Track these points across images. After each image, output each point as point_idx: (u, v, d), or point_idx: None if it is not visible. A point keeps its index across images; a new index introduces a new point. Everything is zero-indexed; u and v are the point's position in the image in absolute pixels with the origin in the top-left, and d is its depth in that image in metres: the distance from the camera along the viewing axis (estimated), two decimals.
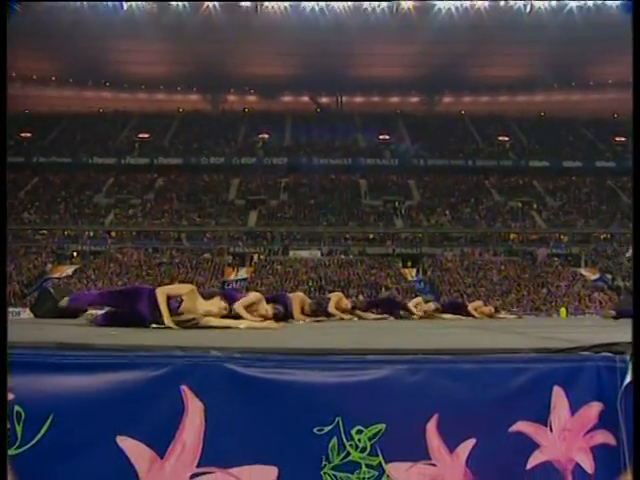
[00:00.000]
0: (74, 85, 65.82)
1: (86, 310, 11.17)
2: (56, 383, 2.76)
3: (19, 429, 2.74)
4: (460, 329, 6.31)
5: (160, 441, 2.72)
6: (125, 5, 54.72)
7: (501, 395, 2.84)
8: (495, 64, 59.10)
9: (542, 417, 2.84)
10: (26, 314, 28.46)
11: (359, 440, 2.74)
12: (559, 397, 2.85)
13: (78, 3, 54.15)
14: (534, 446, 2.84)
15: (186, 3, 53.81)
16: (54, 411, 2.73)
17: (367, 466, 2.76)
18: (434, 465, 2.80)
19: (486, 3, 53.68)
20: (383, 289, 40.74)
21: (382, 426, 2.75)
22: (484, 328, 6.44)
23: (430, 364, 2.84)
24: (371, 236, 49.57)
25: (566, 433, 2.84)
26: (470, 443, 2.81)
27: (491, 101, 66.50)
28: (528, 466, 2.85)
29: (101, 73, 63.63)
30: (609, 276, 45.00)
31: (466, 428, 2.82)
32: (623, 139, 59.16)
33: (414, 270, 46.15)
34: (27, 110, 63.11)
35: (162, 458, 2.72)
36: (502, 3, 53.68)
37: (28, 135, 60.43)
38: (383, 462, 2.76)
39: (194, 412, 2.72)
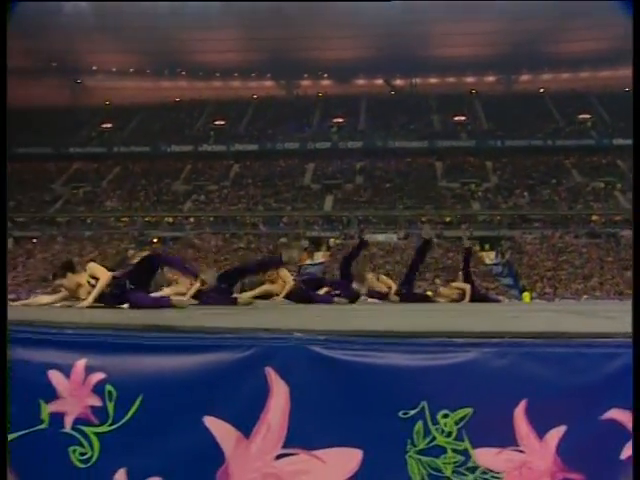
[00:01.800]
0: (151, 76, 67.35)
1: None
2: (146, 364, 2.83)
3: (111, 407, 2.83)
4: (547, 312, 6.14)
5: (246, 422, 2.75)
6: None
7: (593, 381, 2.74)
8: (576, 39, 56.99)
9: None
10: None
11: (445, 424, 2.70)
12: None
13: None
14: (629, 435, 2.72)
15: None
16: (143, 391, 2.81)
17: (453, 451, 2.71)
18: (522, 452, 2.73)
19: None
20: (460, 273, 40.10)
21: (469, 410, 2.70)
22: (573, 312, 6.23)
23: (519, 348, 2.76)
24: (448, 219, 48.87)
25: None
26: (560, 430, 2.73)
27: (572, 78, 64.20)
28: (622, 456, 2.74)
29: (177, 63, 64.84)
30: None
31: (556, 414, 2.73)
32: None
33: (492, 253, 45.27)
34: (108, 102, 65.04)
35: (247, 438, 2.76)
36: None
37: (109, 126, 62.30)
38: (469, 447, 2.72)
39: (279, 394, 2.73)
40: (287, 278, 9.12)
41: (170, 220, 51.24)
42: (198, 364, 2.79)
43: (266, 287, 9.01)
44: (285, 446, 2.74)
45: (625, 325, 3.93)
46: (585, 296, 36.72)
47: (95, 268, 6.11)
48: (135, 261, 6.52)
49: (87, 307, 5.67)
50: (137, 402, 2.79)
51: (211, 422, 2.76)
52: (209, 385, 2.77)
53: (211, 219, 50.78)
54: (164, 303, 5.83)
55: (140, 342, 2.88)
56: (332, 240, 47.51)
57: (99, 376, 2.85)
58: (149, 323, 3.21)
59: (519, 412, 2.72)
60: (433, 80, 66.70)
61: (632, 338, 2.76)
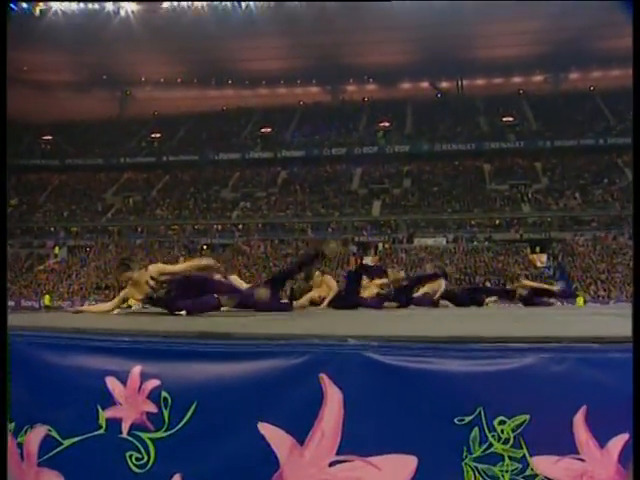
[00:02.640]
0: (198, 85, 68.38)
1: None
2: (200, 370, 2.86)
3: (166, 414, 2.87)
4: (605, 316, 5.99)
5: (300, 428, 2.75)
6: (243, 4, 56.17)
7: None
8: (626, 33, 55.58)
9: None
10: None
11: (502, 431, 2.64)
12: None
13: (199, 5, 56.17)
14: None
15: None
16: (198, 397, 2.84)
17: (510, 458, 2.66)
18: (583, 460, 2.66)
19: None
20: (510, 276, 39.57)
21: (526, 417, 2.64)
22: (629, 316, 6.07)
23: (577, 353, 2.69)
24: (497, 222, 48.24)
25: None
26: (622, 438, 2.64)
27: (623, 74, 62.68)
28: None
29: (223, 72, 65.67)
30: None
31: (617, 422, 2.65)
32: None
33: (544, 256, 44.49)
34: (156, 112, 66.26)
35: (302, 445, 2.75)
36: None
37: (158, 135, 63.43)
38: (527, 455, 2.65)
39: (333, 400, 2.73)
40: (331, 283, 9.11)
41: (219, 227, 51.85)
42: (252, 371, 2.80)
43: (312, 294, 8.98)
44: (339, 453, 2.73)
45: None
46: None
47: (160, 267, 6.11)
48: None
49: (143, 310, 5.73)
50: (192, 408, 2.82)
51: (265, 428, 2.77)
52: (263, 391, 2.78)
53: (259, 226, 51.20)
54: (212, 302, 5.85)
55: (194, 349, 2.91)
56: (380, 245, 47.41)
57: (154, 383, 2.89)
58: (203, 330, 3.24)
59: (578, 419, 2.65)
60: (479, 81, 66.06)
61: (632, 340, 2.69)
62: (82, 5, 56.91)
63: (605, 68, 63.20)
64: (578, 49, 58.05)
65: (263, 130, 62.44)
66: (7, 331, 3.09)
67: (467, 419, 2.64)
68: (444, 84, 67.80)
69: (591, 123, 57.14)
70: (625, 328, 4.18)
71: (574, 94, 61.19)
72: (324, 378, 2.73)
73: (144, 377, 2.90)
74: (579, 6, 51.12)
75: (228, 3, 56.43)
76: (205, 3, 56.32)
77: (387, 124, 60.70)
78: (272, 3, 55.87)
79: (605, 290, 38.68)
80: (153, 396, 2.88)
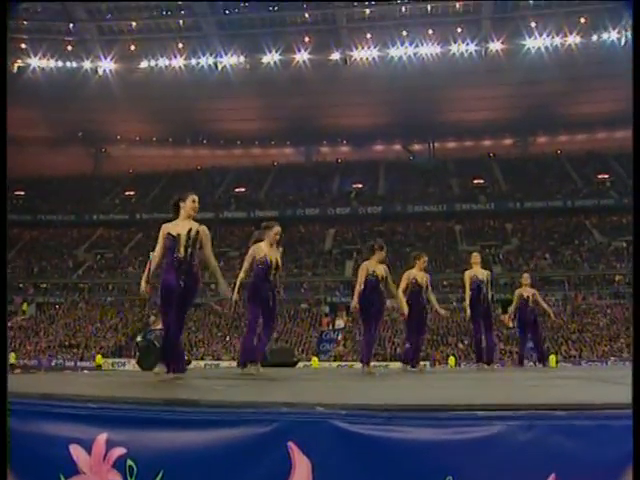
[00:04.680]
0: (173, 144, 68.83)
1: (189, 363, 11.46)
2: (167, 438, 2.81)
3: None
4: (574, 380, 6.02)
5: None
6: (219, 65, 57.14)
7: (622, 455, 2.66)
8: (590, 100, 57.52)
9: None
10: (131, 366, 29.44)
11: None
12: None
13: (176, 66, 57.07)
14: None
15: (277, 59, 55.60)
16: (164, 466, 2.77)
17: None
18: None
19: (577, 39, 52.62)
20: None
21: None
22: (599, 379, 6.11)
23: (545, 420, 2.70)
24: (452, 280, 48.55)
25: None
26: None
27: (588, 139, 64.52)
28: None
29: (198, 131, 66.26)
30: None
31: None
32: None
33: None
34: (131, 170, 66.37)
35: None
36: (594, 38, 52.49)
37: (132, 193, 63.38)
38: None
39: (302, 469, 2.69)
40: None
41: None
42: (220, 439, 2.76)
43: None
44: None
45: None
46: (612, 358, 36.01)
47: None
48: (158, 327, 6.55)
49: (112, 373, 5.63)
50: (158, 478, 2.76)
51: None
52: (231, 460, 2.73)
53: (232, 285, 50.83)
54: None
55: (161, 416, 2.87)
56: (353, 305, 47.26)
57: (120, 451, 2.83)
58: (171, 397, 3.20)
59: None
60: (450, 144, 67.37)
61: (633, 347, 2.72)
62: (60, 63, 57.45)
63: (571, 133, 64.99)
64: (545, 114, 59.66)
65: (237, 190, 62.73)
66: (7, 342, 3.03)
67: None
68: (416, 146, 69.01)
69: (559, 185, 58.37)
70: (593, 393, 4.21)
71: (542, 157, 62.64)
72: (292, 447, 2.70)
73: (110, 445, 2.84)
74: (546, 73, 52.84)
75: (205, 64, 57.35)
76: (182, 64, 57.18)
77: (360, 185, 61.38)
78: (248, 65, 56.95)
79: (576, 350, 38.86)
80: (118, 465, 2.82)
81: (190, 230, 6.11)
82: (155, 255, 6.22)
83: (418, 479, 2.64)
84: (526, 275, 13.02)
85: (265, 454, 2.72)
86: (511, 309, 11.57)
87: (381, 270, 8.67)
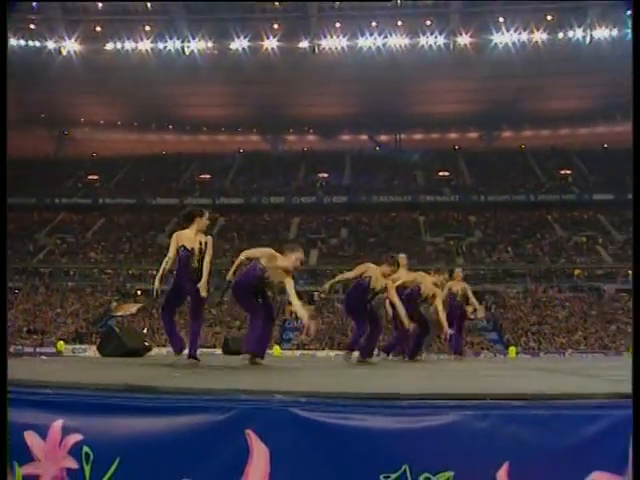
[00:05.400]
0: (138, 128, 67.85)
1: (150, 349, 11.37)
2: (124, 425, 2.78)
3: (87, 470, 2.77)
4: (530, 371, 6.12)
5: None
6: (187, 50, 56.40)
7: (575, 443, 2.71)
8: (555, 97, 58.24)
9: (620, 467, 2.69)
10: (92, 352, 29.11)
11: None
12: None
13: (143, 49, 56.20)
14: None
15: (245, 46, 55.11)
16: (121, 453, 2.75)
17: None
18: None
19: (544, 36, 53.13)
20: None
21: (450, 474, 2.66)
22: (555, 371, 6.22)
23: (500, 410, 2.74)
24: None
25: None
26: None
27: (552, 134, 65.41)
28: None
29: (164, 116, 65.38)
30: None
31: (539, 477, 2.70)
32: None
33: (481, 308, 45.23)
34: (94, 154, 65.32)
35: None
36: (560, 35, 53.09)
37: (95, 178, 62.39)
38: None
39: (259, 456, 2.69)
40: None
41: (154, 272, 50.86)
42: (177, 426, 2.74)
43: None
44: None
45: (605, 384, 3.94)
46: (570, 350, 36.69)
47: None
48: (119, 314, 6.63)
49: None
50: (114, 465, 2.74)
51: None
52: (188, 447, 2.71)
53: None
54: None
55: (118, 403, 2.84)
56: (317, 294, 47.39)
57: (76, 437, 2.79)
58: (129, 383, 3.16)
59: (501, 475, 2.68)
60: (417, 136, 67.68)
61: (633, 347, 2.78)
62: (22, 42, 56.12)
63: (535, 128, 65.81)
64: (511, 109, 60.23)
65: (202, 176, 62.19)
66: (6, 337, 2.97)
67: (393, 476, 2.65)
68: (383, 137, 69.19)
69: (522, 180, 59.11)
70: (548, 384, 4.29)
71: (507, 151, 63.32)
72: (250, 434, 2.70)
73: (65, 431, 2.81)
74: (512, 69, 53.31)
75: (172, 48, 56.56)
76: (149, 47, 56.26)
77: (326, 175, 61.36)
78: (216, 50, 56.35)
79: (535, 342, 39.50)
80: (74, 451, 2.78)
81: (201, 243, 6.98)
82: (168, 259, 6.97)
83: (375, 466, 2.66)
84: (458, 270, 13.04)
85: (223, 441, 2.71)
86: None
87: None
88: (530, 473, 2.70)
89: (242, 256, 7.23)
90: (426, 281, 10.47)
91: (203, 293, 6.73)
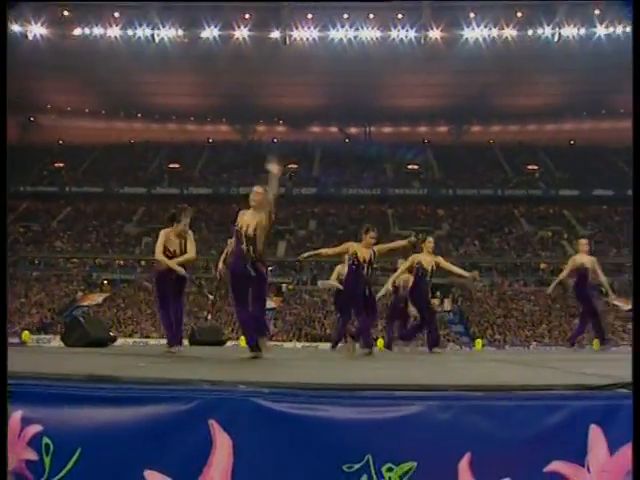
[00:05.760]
0: (106, 116, 66.97)
1: (115, 340, 11.28)
2: (85, 415, 2.74)
3: (47, 461, 2.73)
4: (493, 363, 6.20)
5: (188, 476, 2.68)
6: (156, 38, 55.73)
7: (536, 433, 2.75)
8: (524, 93, 58.85)
9: (579, 457, 2.74)
10: (56, 342, 28.75)
11: (390, 478, 2.67)
12: (597, 436, 2.75)
13: (112, 35, 55.39)
14: None
15: (216, 35, 54.65)
16: (82, 444, 2.72)
17: None
18: None
19: (514, 32, 53.60)
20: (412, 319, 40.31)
21: (413, 464, 2.68)
22: (518, 362, 6.31)
23: (462, 401, 2.77)
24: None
25: (605, 475, 2.74)
26: None
27: (520, 130, 66.12)
28: None
29: (133, 105, 64.57)
30: None
31: (500, 467, 2.74)
32: None
33: (447, 301, 45.67)
34: (61, 141, 64.36)
35: None
36: (530, 32, 53.61)
37: (61, 165, 61.50)
38: None
39: (222, 447, 2.68)
40: None
41: (121, 262, 50.47)
42: (139, 416, 2.72)
43: None
44: None
45: (567, 375, 4.00)
46: (534, 343, 37.25)
47: None
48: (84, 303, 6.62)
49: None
50: (75, 456, 2.70)
51: (152, 476, 2.68)
52: (150, 438, 2.69)
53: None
54: None
55: (79, 393, 2.80)
56: (285, 286, 47.41)
57: (36, 428, 2.75)
58: (90, 373, 3.12)
59: (463, 465, 2.71)
60: (387, 129, 67.89)
61: (632, 348, 2.82)
62: None
63: (504, 123, 66.42)
64: (480, 104, 60.67)
65: (171, 166, 61.66)
66: (6, 333, 2.90)
67: (356, 466, 2.66)
68: (353, 129, 69.26)
69: (490, 174, 59.72)
70: (511, 375, 4.34)
71: (475, 146, 63.86)
72: (213, 424, 2.68)
73: (25, 422, 2.77)
74: (482, 64, 53.70)
75: (141, 35, 55.82)
76: (118, 34, 55.44)
77: (295, 166, 61.26)
78: (186, 39, 55.79)
79: (501, 334, 40.02)
80: (34, 443, 2.74)
81: (181, 244, 7.76)
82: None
83: (338, 457, 2.67)
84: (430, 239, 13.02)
85: (186, 432, 2.70)
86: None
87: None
88: (491, 463, 2.74)
89: None
90: (422, 257, 10.83)
91: (178, 270, 7.27)
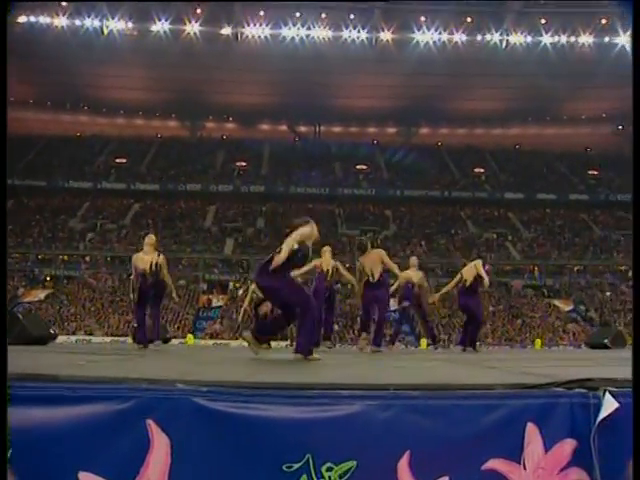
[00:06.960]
0: (52, 108, 65.42)
1: (55, 337, 11.04)
2: (15, 416, 2.66)
3: None
4: (436, 362, 6.27)
5: (124, 477, 2.63)
6: (105, 30, 54.71)
7: (474, 432, 2.79)
8: (472, 97, 59.83)
9: (515, 454, 2.80)
10: None
11: (329, 478, 2.67)
12: (533, 434, 2.81)
13: (59, 25, 54.10)
14: None
15: (167, 29, 53.95)
16: (13, 445, 2.63)
17: None
18: None
19: (463, 37, 54.45)
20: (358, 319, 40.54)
21: (353, 463, 2.69)
22: (459, 362, 6.40)
23: (401, 400, 2.79)
24: (347, 265, 49.44)
25: (540, 471, 2.80)
26: None
27: (467, 133, 67.26)
28: None
29: (80, 97, 63.24)
30: (583, 307, 45.39)
31: (439, 465, 2.77)
32: (595, 172, 60.20)
33: (391, 300, 46.07)
34: None
35: None
36: (479, 37, 54.53)
37: None
38: None
39: (160, 447, 2.63)
40: None
41: (65, 258, 49.41)
42: (73, 416, 2.64)
43: None
44: None
45: (504, 375, 4.08)
46: (477, 343, 37.82)
47: None
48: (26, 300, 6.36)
49: None
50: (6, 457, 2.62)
51: (86, 478, 2.62)
52: (84, 439, 2.62)
53: (108, 259, 49.33)
54: None
55: (12, 392, 2.71)
56: (231, 284, 47.14)
57: None
58: (20, 372, 3.03)
59: (403, 464, 2.73)
60: (336, 129, 68.13)
61: (633, 340, 2.88)
62: None
63: (452, 126, 67.42)
64: (429, 107, 61.43)
65: (118, 160, 60.62)
66: (6, 335, 2.76)
67: (295, 466, 2.65)
68: (302, 128, 69.27)
69: (438, 176, 60.52)
70: (452, 374, 4.40)
71: (423, 148, 64.62)
72: (151, 424, 2.64)
73: None
74: (431, 67, 54.35)
75: (90, 27, 54.66)
76: (65, 24, 54.16)
77: (244, 163, 60.97)
78: (136, 32, 54.91)
79: (446, 334, 40.60)
80: None
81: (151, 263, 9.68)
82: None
83: (278, 456, 2.65)
84: (413, 258, 14.27)
85: (123, 432, 2.64)
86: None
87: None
88: (430, 461, 2.76)
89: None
90: (409, 275, 11.96)
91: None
